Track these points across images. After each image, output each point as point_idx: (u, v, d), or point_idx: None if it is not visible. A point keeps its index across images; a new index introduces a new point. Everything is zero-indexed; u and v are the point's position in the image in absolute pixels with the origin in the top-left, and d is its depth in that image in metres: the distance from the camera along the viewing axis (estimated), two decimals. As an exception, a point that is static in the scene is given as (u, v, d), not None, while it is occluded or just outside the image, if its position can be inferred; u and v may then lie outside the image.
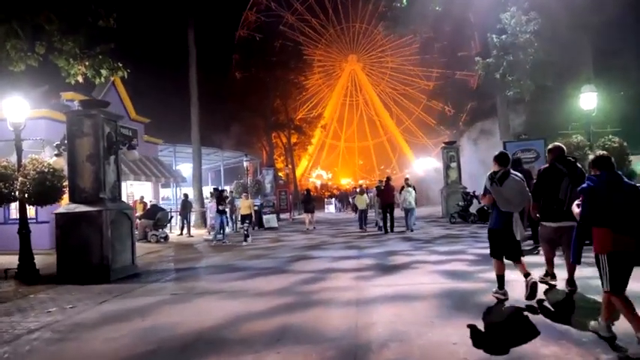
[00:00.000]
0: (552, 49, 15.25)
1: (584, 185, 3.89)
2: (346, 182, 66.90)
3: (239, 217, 18.68)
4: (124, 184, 17.70)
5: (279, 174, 51.16)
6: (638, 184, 3.84)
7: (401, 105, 61.42)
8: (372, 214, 17.16)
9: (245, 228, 14.25)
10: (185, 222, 17.47)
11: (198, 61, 21.13)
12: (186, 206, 17.75)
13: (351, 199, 27.51)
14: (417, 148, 56.61)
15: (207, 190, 21.78)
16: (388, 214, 14.45)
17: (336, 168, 68.95)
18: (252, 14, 55.97)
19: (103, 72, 9.34)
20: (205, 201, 18.69)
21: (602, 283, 3.75)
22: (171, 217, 16.44)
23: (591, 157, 4.07)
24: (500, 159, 5.12)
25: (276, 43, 44.64)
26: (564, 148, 5.64)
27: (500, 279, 5.27)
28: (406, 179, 15.21)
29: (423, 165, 48.45)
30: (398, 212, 15.35)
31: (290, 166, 50.21)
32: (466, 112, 41.66)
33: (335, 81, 65.37)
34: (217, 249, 12.92)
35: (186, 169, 32.72)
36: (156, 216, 15.23)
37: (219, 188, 17.67)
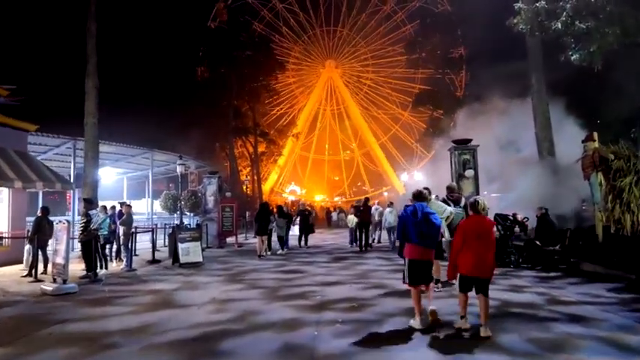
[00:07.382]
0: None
1: (400, 214, 5.88)
2: (320, 198, 60.52)
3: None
4: None
5: (244, 187, 43.99)
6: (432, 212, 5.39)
7: (386, 110, 55.28)
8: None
9: None
10: (39, 254, 10.39)
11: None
12: (40, 229, 10.64)
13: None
14: (407, 155, 50.62)
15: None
16: (364, 233, 14.85)
17: (311, 183, 62.36)
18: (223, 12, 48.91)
19: None
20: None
21: (404, 277, 5.46)
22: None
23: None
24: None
25: (243, 34, 38.40)
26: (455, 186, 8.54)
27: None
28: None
29: (407, 180, 42.64)
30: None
31: (256, 178, 43.21)
32: (454, 119, 36.27)
33: (311, 88, 58.97)
34: (22, 321, 5.94)
35: (108, 173, 25.39)
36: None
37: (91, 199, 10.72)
